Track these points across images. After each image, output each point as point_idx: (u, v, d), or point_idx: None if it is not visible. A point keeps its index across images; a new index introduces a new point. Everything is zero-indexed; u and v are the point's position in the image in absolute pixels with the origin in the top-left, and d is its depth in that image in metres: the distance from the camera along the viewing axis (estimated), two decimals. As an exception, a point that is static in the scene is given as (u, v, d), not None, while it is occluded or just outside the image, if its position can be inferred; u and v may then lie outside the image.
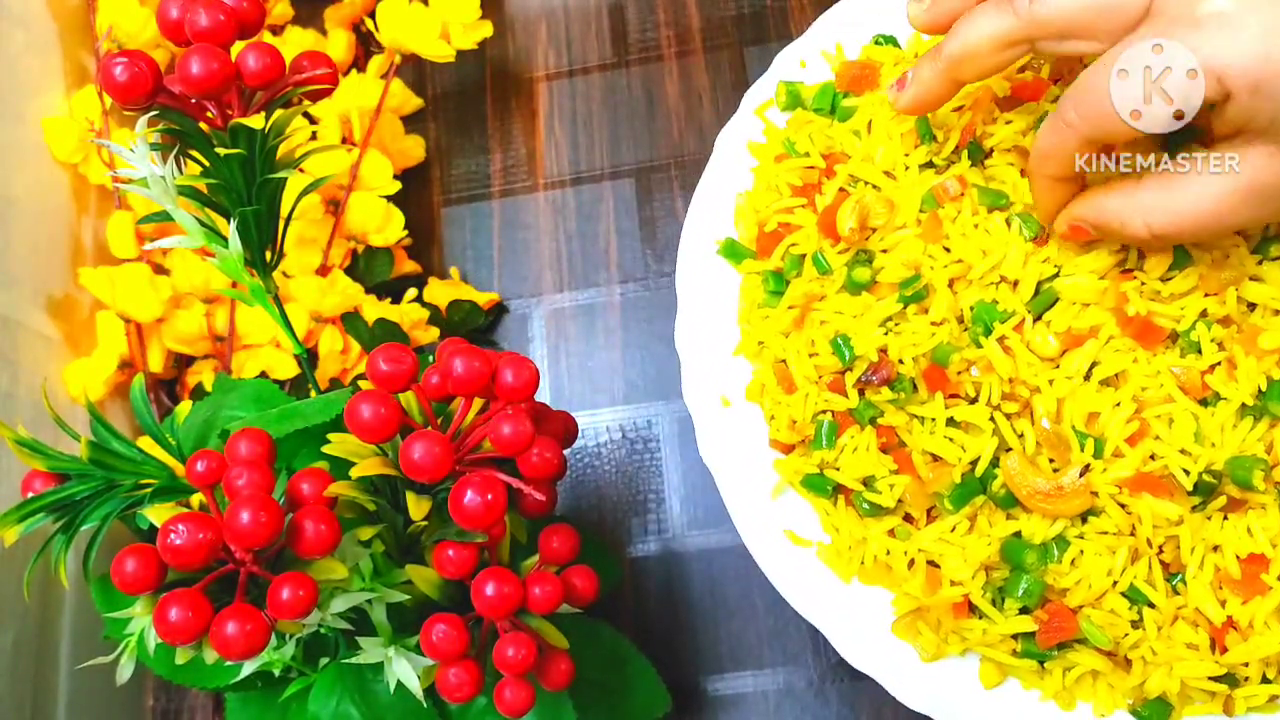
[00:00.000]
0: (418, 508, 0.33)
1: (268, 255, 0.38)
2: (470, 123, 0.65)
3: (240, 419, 0.40)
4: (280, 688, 0.39)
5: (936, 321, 0.43)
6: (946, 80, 0.42)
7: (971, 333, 0.43)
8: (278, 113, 0.35)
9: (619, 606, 0.56)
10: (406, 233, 0.59)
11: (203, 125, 0.35)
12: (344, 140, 0.60)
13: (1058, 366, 0.41)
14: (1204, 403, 0.41)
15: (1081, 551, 0.41)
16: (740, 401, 0.48)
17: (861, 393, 0.44)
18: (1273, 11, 0.33)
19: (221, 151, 0.35)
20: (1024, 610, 0.42)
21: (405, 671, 0.35)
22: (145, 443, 0.34)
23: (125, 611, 0.31)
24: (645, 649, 0.47)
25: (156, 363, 0.57)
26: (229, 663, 0.31)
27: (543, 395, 0.60)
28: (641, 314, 0.60)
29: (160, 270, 0.57)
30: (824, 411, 0.45)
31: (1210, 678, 0.40)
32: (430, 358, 0.35)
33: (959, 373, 0.42)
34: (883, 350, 0.43)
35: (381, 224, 0.58)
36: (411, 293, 0.60)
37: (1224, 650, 0.40)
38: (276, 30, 0.64)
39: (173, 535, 0.29)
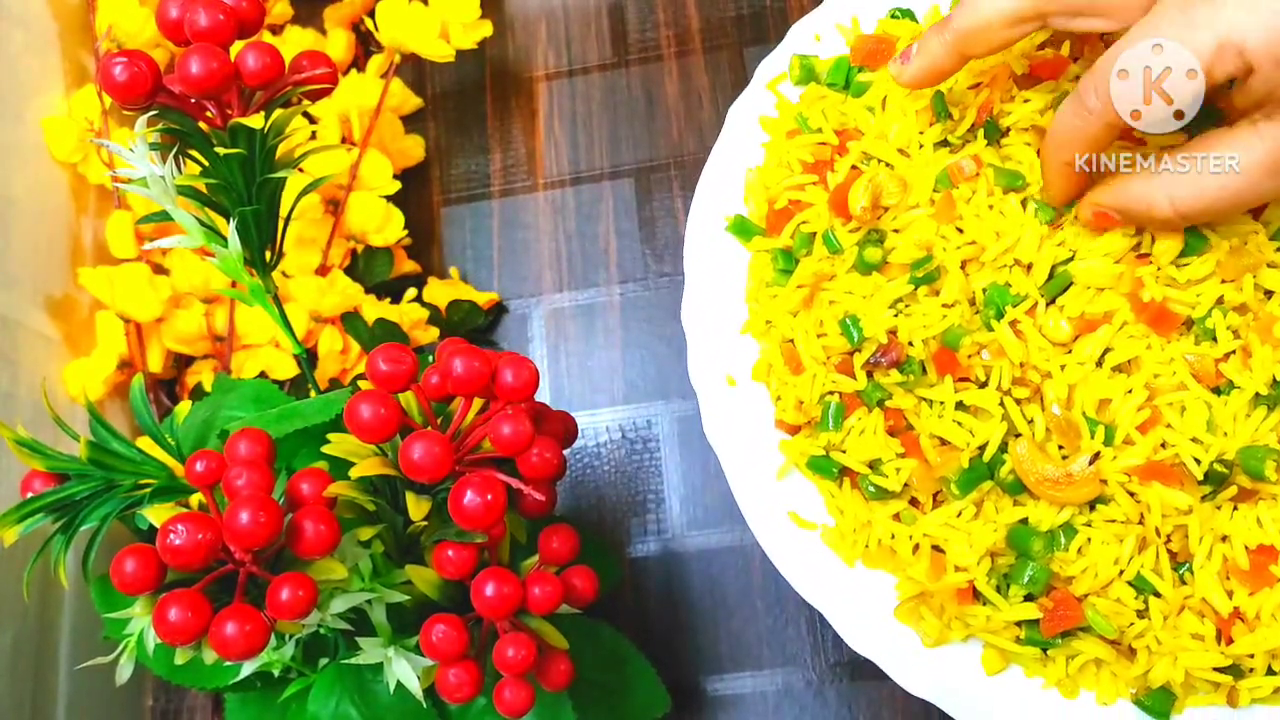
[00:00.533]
0: (417, 508, 0.33)
1: (267, 255, 0.38)
2: (470, 122, 0.65)
3: (240, 419, 0.40)
4: (280, 688, 0.39)
5: (948, 304, 0.42)
6: (954, 54, 0.41)
7: (983, 315, 0.42)
8: (277, 112, 0.35)
9: (619, 607, 0.56)
10: (406, 232, 0.59)
11: (202, 125, 0.35)
12: (343, 140, 0.60)
13: (1070, 352, 0.41)
14: (1217, 391, 0.40)
15: (1089, 540, 0.40)
16: (746, 381, 0.47)
17: (870, 375, 0.43)
18: None
19: (221, 151, 0.35)
20: (1029, 597, 0.41)
21: (405, 672, 0.35)
22: (145, 443, 0.34)
23: (125, 612, 0.31)
24: (645, 649, 0.47)
25: (156, 363, 0.57)
26: (228, 663, 0.31)
27: (542, 395, 0.60)
28: (641, 314, 0.60)
29: (160, 270, 0.57)
30: (831, 393, 0.44)
31: (1215, 668, 0.40)
32: (430, 358, 0.35)
33: (969, 356, 0.42)
34: (892, 332, 0.43)
35: (381, 224, 0.58)
36: (411, 293, 0.60)
37: (1229, 641, 0.40)
38: (276, 30, 0.64)
39: (172, 535, 0.29)
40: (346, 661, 0.37)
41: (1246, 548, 0.40)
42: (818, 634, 0.54)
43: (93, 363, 0.55)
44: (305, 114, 0.60)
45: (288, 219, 0.38)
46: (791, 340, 0.45)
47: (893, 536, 0.43)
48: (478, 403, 0.34)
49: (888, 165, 0.45)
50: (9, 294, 0.52)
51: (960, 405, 0.42)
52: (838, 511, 0.45)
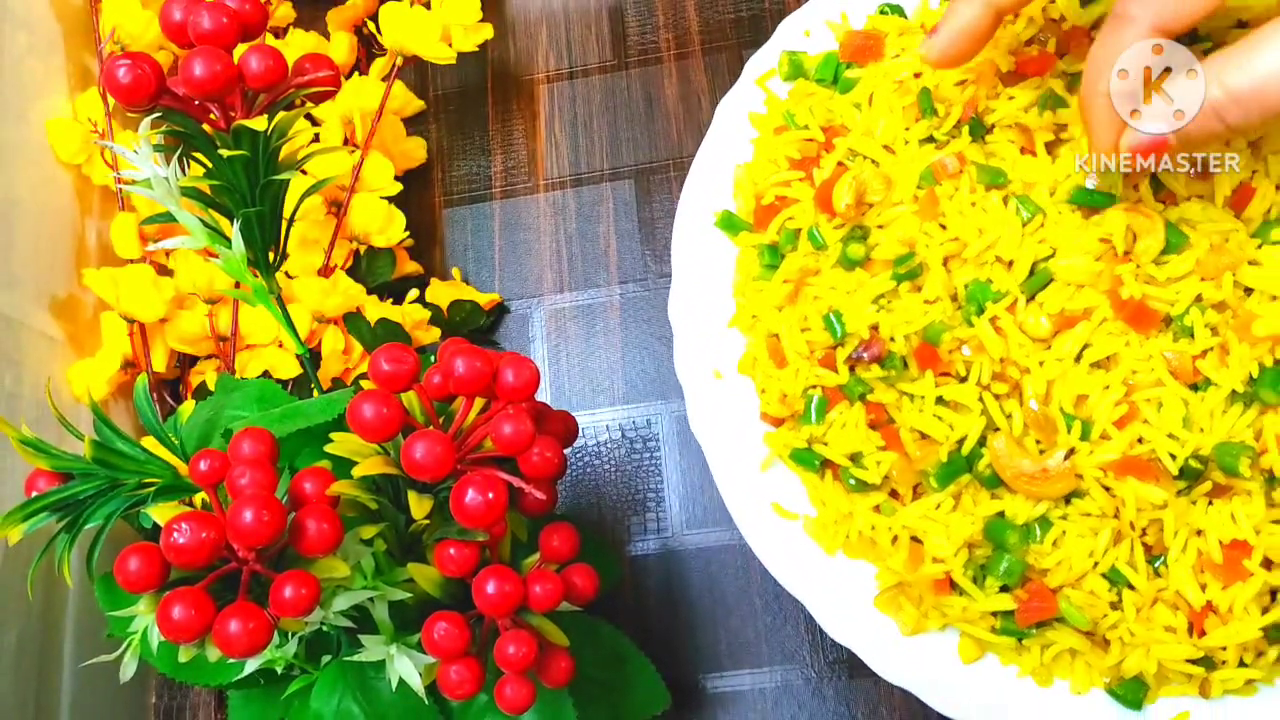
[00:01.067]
0: (419, 506, 0.33)
1: (270, 256, 0.38)
2: (471, 124, 0.65)
3: (243, 418, 0.40)
4: (282, 685, 0.39)
5: (929, 300, 0.43)
6: (988, 11, 0.38)
7: (965, 311, 0.42)
8: (280, 114, 0.36)
9: (618, 605, 0.56)
10: (408, 234, 0.59)
11: (206, 127, 0.35)
12: (346, 142, 0.60)
13: (1049, 348, 0.41)
14: (1195, 388, 0.40)
15: (1064, 533, 0.41)
16: (732, 374, 0.47)
17: (852, 369, 0.43)
18: None
19: (224, 153, 0.35)
20: (1004, 589, 0.42)
21: (407, 669, 0.35)
22: (149, 442, 0.35)
23: (128, 610, 0.31)
24: (644, 647, 0.47)
25: (160, 363, 0.57)
26: (232, 660, 0.31)
27: (543, 395, 0.60)
28: (641, 314, 0.61)
29: (163, 271, 0.57)
30: (814, 386, 0.44)
31: (1187, 660, 0.40)
32: (432, 358, 0.35)
33: (950, 352, 0.42)
34: (874, 327, 0.43)
35: (383, 225, 0.59)
36: (413, 293, 0.60)
37: (1202, 634, 0.40)
38: (279, 33, 0.64)
39: (176, 534, 0.29)
40: (349, 659, 0.37)
41: (1220, 542, 0.40)
42: (816, 631, 0.54)
43: (97, 363, 0.56)
44: (308, 116, 0.60)
45: (291, 220, 0.38)
46: (776, 334, 0.46)
47: (873, 528, 0.44)
48: (479, 402, 0.34)
49: (873, 162, 0.46)
50: (13, 294, 0.52)
51: (940, 400, 0.42)
52: (820, 503, 0.45)
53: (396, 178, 0.60)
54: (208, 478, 0.32)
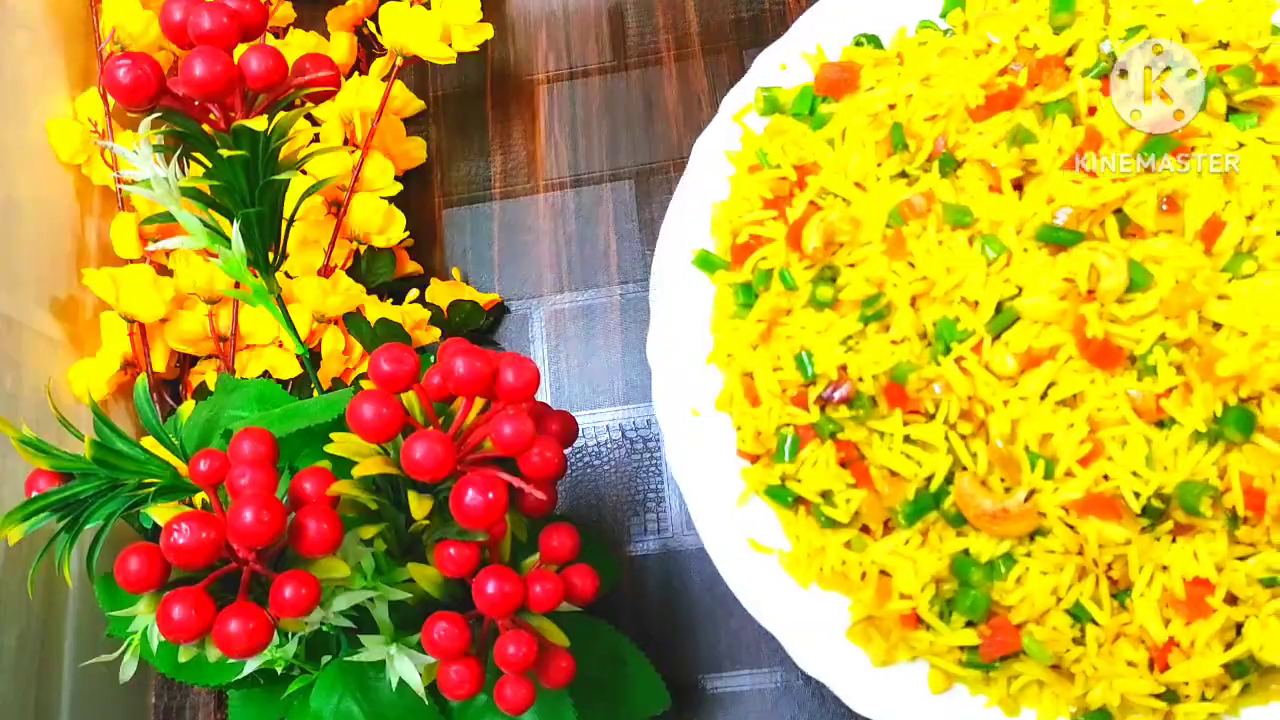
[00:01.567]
0: (419, 507, 0.33)
1: (270, 256, 0.38)
2: (471, 125, 0.65)
3: (243, 418, 0.40)
4: (282, 685, 0.39)
5: (896, 340, 0.43)
6: None
7: (933, 350, 0.42)
8: (280, 114, 0.36)
9: (618, 605, 0.56)
10: (408, 234, 0.60)
11: (206, 127, 0.35)
12: (346, 142, 0.60)
13: (1015, 386, 0.41)
14: (1160, 425, 0.40)
15: (1027, 569, 0.41)
16: (711, 410, 0.48)
17: (822, 408, 0.44)
18: None
19: (224, 153, 0.35)
20: (970, 624, 0.42)
21: (407, 669, 0.35)
22: (149, 442, 0.35)
23: (129, 610, 0.31)
24: (644, 647, 0.47)
25: (160, 363, 0.57)
26: (231, 660, 0.31)
27: (543, 395, 0.60)
28: (641, 315, 0.60)
29: (163, 271, 0.57)
30: (787, 425, 0.45)
31: (1152, 694, 0.41)
32: (432, 358, 0.35)
33: (918, 390, 0.42)
34: (842, 368, 0.43)
35: (383, 225, 0.59)
36: (413, 293, 0.60)
37: (1165, 668, 0.41)
38: (279, 33, 0.64)
39: (176, 534, 0.29)
40: (349, 659, 0.37)
41: (1184, 579, 0.40)
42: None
43: (97, 363, 0.56)
44: (308, 116, 0.60)
45: (291, 220, 0.38)
46: (750, 373, 0.46)
47: (844, 563, 0.44)
48: (479, 402, 0.34)
49: (845, 201, 0.46)
50: (13, 295, 0.52)
51: (909, 438, 0.43)
52: (794, 537, 0.46)
53: (396, 178, 0.60)
54: (208, 478, 0.32)
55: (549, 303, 0.62)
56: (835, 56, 0.51)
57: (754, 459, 0.47)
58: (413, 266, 0.61)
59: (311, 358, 0.49)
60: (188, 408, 0.42)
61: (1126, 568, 0.41)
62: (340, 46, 0.64)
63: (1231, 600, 0.40)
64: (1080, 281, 0.41)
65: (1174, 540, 0.41)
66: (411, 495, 0.33)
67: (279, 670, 0.38)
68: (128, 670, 0.32)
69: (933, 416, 0.42)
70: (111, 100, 0.57)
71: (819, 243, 0.44)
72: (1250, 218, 0.41)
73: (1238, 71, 0.43)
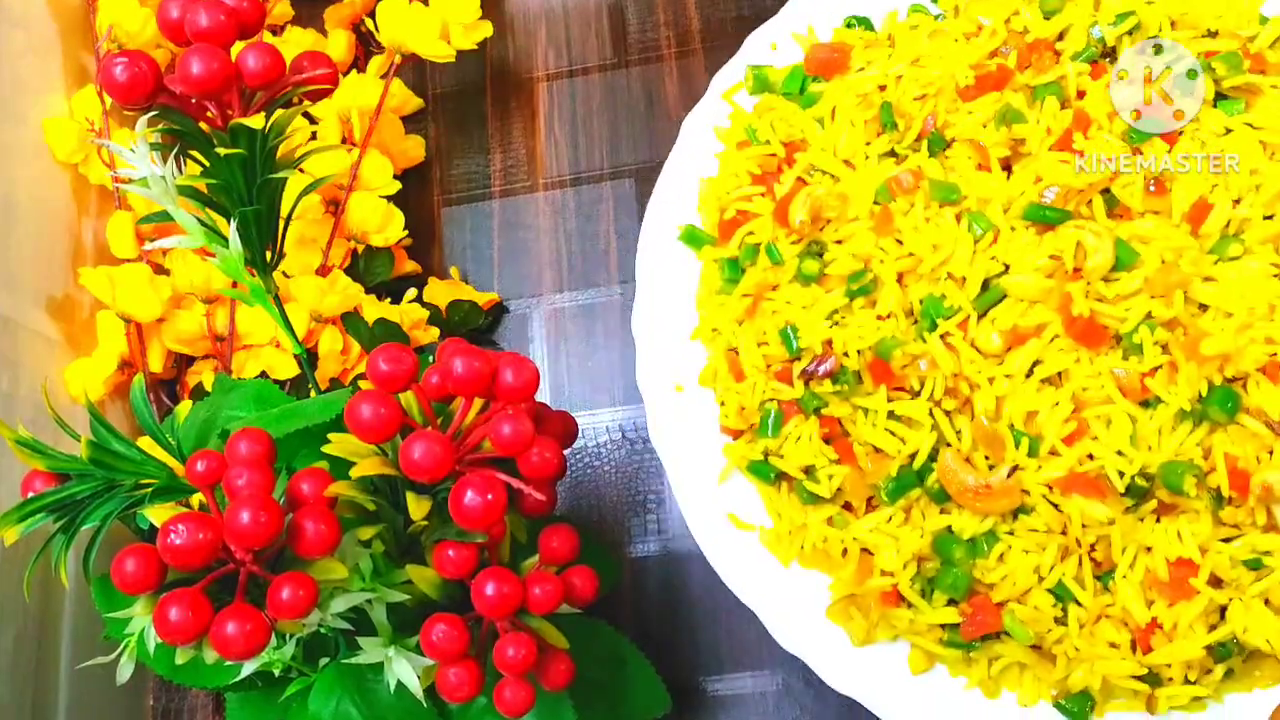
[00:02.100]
0: (418, 508, 0.33)
1: (268, 255, 0.38)
2: (470, 123, 0.65)
3: (240, 419, 0.40)
4: (280, 687, 0.39)
5: (882, 315, 0.43)
6: None
7: (919, 326, 0.42)
8: (278, 113, 0.36)
9: (618, 606, 0.56)
10: (406, 233, 0.59)
11: (203, 125, 0.35)
12: (344, 140, 0.60)
13: (1001, 363, 0.41)
14: (1145, 404, 0.40)
15: (1010, 547, 0.41)
16: (694, 386, 0.48)
17: (807, 383, 0.44)
18: None
19: (222, 151, 0.35)
20: (951, 602, 0.42)
21: (405, 671, 0.35)
22: (145, 443, 0.34)
23: (125, 611, 0.31)
24: (645, 649, 0.47)
25: (157, 363, 0.57)
26: (229, 663, 0.31)
27: (543, 395, 0.60)
28: (641, 314, 0.60)
29: (160, 270, 0.57)
30: (771, 400, 0.45)
31: (1134, 676, 0.41)
32: (430, 358, 0.35)
33: (903, 367, 0.42)
34: (827, 343, 0.43)
35: (381, 224, 0.58)
36: (411, 293, 0.60)
37: (1148, 650, 0.41)
38: (276, 30, 0.64)
39: (173, 535, 0.29)
40: (347, 661, 0.37)
41: (1167, 560, 0.40)
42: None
43: (93, 363, 0.55)
44: (306, 114, 0.60)
45: (288, 219, 0.38)
46: (735, 348, 0.46)
47: (825, 540, 0.44)
48: (478, 403, 0.34)
49: (833, 178, 0.46)
50: (10, 294, 0.52)
51: (893, 414, 0.43)
52: (776, 514, 0.46)
53: (395, 176, 0.60)
54: (205, 478, 0.31)
55: (548, 302, 0.61)
56: (826, 38, 0.51)
57: (737, 435, 0.47)
58: (411, 265, 0.61)
59: (309, 358, 0.48)
60: (185, 408, 0.41)
61: (1109, 548, 0.40)
62: (338, 44, 0.64)
63: (1215, 582, 0.40)
64: (1067, 259, 0.41)
65: (1158, 520, 0.41)
66: (410, 496, 0.33)
67: (277, 672, 0.38)
68: (125, 672, 0.32)
69: (917, 393, 0.42)
70: (108, 99, 0.57)
71: (806, 216, 0.44)
72: (1237, 201, 0.42)
73: (1226, 57, 0.43)
